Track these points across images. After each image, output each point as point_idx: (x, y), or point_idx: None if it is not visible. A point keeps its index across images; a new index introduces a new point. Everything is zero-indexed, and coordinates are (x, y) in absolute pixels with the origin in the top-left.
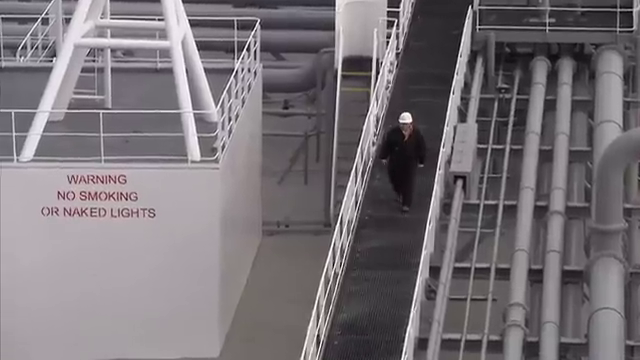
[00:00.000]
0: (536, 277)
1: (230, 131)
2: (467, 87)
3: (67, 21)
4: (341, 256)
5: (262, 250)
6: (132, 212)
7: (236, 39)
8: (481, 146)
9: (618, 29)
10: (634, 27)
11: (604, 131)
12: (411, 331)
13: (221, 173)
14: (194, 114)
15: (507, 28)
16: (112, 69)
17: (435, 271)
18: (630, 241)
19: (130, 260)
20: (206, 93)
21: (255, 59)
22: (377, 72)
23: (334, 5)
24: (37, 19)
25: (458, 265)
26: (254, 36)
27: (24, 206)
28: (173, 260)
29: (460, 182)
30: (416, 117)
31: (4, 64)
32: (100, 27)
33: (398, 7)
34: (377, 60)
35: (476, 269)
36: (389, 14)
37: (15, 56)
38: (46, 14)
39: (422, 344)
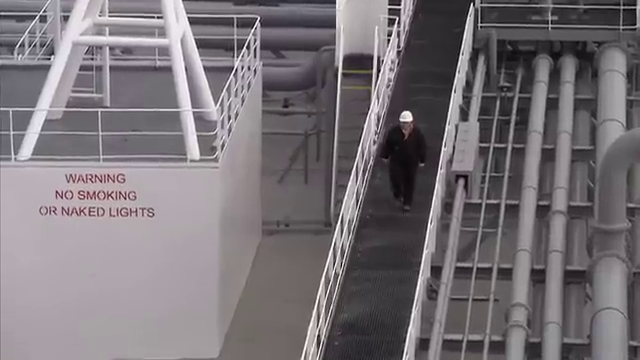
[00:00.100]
0: (538, 277)
1: (230, 130)
2: (469, 85)
3: (65, 19)
4: (342, 256)
5: (262, 250)
6: (131, 211)
7: (236, 37)
8: (483, 145)
9: (621, 27)
10: (637, 25)
11: (607, 130)
12: (412, 331)
13: (221, 172)
14: (193, 113)
15: (509, 26)
16: (110, 67)
17: (437, 271)
18: (633, 241)
19: (129, 260)
20: (205, 91)
21: (255, 57)
22: (378, 70)
23: (335, 3)
24: (35, 17)
25: (460, 265)
26: (254, 34)
27: (22, 205)
28: (172, 260)
29: (462, 181)
30: (417, 116)
31: (2, 62)
32: (98, 25)
33: (399, 5)
34: (378, 58)
35: (478, 269)
36: (390, 12)
37: (13, 54)
38: (44, 12)
39: (423, 344)
